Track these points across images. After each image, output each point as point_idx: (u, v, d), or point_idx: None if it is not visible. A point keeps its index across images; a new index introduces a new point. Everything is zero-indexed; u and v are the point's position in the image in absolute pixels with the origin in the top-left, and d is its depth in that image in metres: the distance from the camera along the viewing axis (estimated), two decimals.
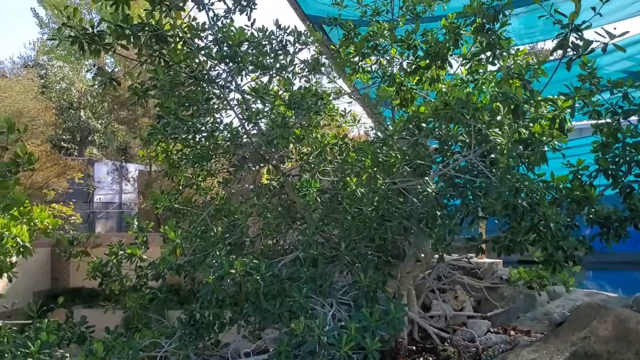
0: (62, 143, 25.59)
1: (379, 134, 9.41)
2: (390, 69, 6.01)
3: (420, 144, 4.80)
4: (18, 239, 6.05)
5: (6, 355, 4.40)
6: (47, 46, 31.69)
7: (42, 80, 24.78)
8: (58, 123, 22.89)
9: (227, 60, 5.03)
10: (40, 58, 29.91)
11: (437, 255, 5.85)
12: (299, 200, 5.93)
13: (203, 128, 5.55)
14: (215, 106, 5.60)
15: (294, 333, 4.37)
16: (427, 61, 5.66)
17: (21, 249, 6.14)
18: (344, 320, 4.83)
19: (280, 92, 5.74)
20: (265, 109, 5.60)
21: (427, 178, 4.62)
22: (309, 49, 6.10)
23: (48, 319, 5.27)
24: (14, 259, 6.06)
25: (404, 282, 5.89)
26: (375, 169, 4.79)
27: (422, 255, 5.93)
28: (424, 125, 5.31)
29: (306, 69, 5.90)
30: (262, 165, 6.08)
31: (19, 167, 5.91)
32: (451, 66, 5.73)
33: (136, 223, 6.12)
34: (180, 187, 6.49)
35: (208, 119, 5.63)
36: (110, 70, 21.26)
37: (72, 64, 28.79)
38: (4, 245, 5.40)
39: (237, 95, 5.72)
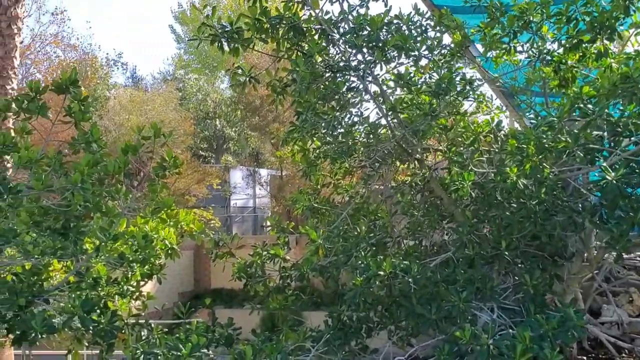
0: (200, 151, 26.94)
1: (517, 124, 8.67)
2: (544, 47, 5.39)
3: (595, 126, 4.18)
4: (166, 242, 6.18)
5: (159, 357, 4.40)
6: (183, 61, 33.66)
7: (180, 93, 26.23)
8: (196, 132, 24.08)
9: (370, 45, 4.72)
10: (177, 72, 31.81)
11: (607, 254, 5.16)
12: (446, 197, 5.49)
13: (342, 123, 5.31)
14: (352, 100, 5.35)
15: (455, 341, 3.96)
16: (591, 34, 4.98)
17: (169, 251, 6.27)
18: (508, 326, 4.33)
19: (421, 79, 5.35)
20: (407, 98, 5.24)
21: (604, 164, 3.99)
22: (450, 33, 5.66)
23: (197, 320, 5.28)
24: (162, 261, 6.20)
25: (570, 284, 5.23)
26: (540, 156, 4.23)
27: (586, 253, 5.25)
28: (590, 106, 4.67)
29: (447, 55, 5.47)
30: (405, 159, 5.71)
31: (165, 171, 6.02)
32: (621, 38, 5.00)
33: (270, 224, 6.03)
34: (318, 187, 6.30)
35: (345, 114, 5.39)
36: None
37: (207, 76, 30.30)
38: (153, 248, 5.48)
39: (374, 88, 5.43)
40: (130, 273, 5.83)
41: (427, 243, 5.77)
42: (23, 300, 4.58)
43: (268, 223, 27.53)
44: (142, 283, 6.04)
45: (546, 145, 4.19)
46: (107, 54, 41.32)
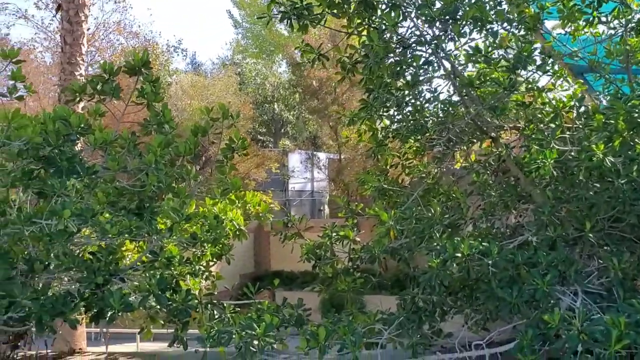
0: (259, 136, 27.13)
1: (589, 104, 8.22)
2: (632, 16, 5.06)
3: None
4: (234, 223, 6.22)
5: (234, 336, 4.41)
6: (241, 46, 33.92)
7: (239, 78, 26.44)
8: (255, 117, 24.22)
9: (444, 19, 4.53)
10: (235, 57, 32.07)
11: None
12: (523, 176, 5.27)
13: (413, 101, 5.16)
14: (423, 76, 5.18)
15: (538, 325, 3.80)
16: None
17: (237, 232, 6.31)
18: (594, 311, 4.11)
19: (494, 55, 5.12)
20: (482, 73, 5.03)
21: None
22: (526, 5, 5.39)
23: (267, 301, 5.29)
24: (230, 242, 6.23)
25: None
26: (631, 132, 3.97)
27: None
28: None
29: (524, 28, 5.21)
30: (479, 138, 5.51)
31: (233, 152, 6.03)
32: None
33: (338, 205, 5.95)
34: (387, 167, 6.16)
35: (416, 91, 5.23)
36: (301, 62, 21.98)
37: (264, 60, 30.42)
38: (224, 228, 5.50)
39: (446, 64, 5.24)
40: (200, 253, 5.90)
41: (501, 225, 5.57)
42: (101, 279, 4.67)
43: (326, 207, 27.54)
44: (210, 263, 6.12)
45: (638, 120, 3.92)
46: (168, 40, 42.10)
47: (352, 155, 19.57)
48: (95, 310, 4.96)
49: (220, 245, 5.67)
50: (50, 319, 4.49)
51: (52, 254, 4.68)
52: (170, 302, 4.78)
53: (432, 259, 4.32)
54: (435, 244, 4.60)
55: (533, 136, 4.72)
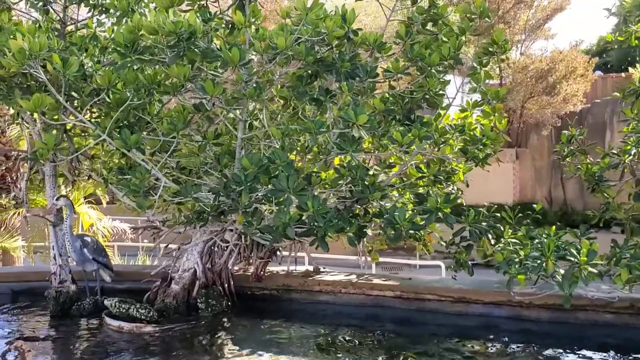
0: None
1: None
2: None
3: None
4: None
5: (543, 263, 3.83)
6: None
7: None
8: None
9: None
10: None
11: None
12: None
13: None
14: None
15: None
16: None
17: None
18: None
19: None
20: None
21: None
22: None
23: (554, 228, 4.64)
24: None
25: None
26: None
27: None
28: None
29: None
30: None
31: (491, 56, 5.33)
32: None
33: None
34: None
35: None
36: None
37: None
38: (499, 143, 4.84)
39: None
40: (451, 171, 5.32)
41: None
42: (378, 194, 4.23)
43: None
44: None
45: None
46: None
47: (521, 78, 17.98)
48: (355, 230, 4.58)
49: (483, 163, 5.00)
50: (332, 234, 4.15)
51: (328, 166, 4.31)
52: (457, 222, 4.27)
53: None
54: None
55: None
